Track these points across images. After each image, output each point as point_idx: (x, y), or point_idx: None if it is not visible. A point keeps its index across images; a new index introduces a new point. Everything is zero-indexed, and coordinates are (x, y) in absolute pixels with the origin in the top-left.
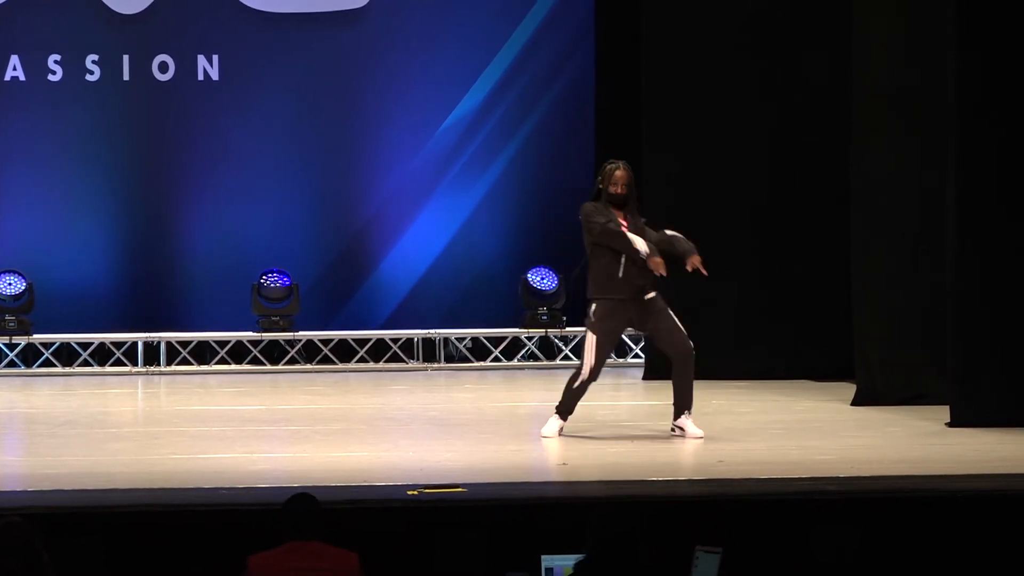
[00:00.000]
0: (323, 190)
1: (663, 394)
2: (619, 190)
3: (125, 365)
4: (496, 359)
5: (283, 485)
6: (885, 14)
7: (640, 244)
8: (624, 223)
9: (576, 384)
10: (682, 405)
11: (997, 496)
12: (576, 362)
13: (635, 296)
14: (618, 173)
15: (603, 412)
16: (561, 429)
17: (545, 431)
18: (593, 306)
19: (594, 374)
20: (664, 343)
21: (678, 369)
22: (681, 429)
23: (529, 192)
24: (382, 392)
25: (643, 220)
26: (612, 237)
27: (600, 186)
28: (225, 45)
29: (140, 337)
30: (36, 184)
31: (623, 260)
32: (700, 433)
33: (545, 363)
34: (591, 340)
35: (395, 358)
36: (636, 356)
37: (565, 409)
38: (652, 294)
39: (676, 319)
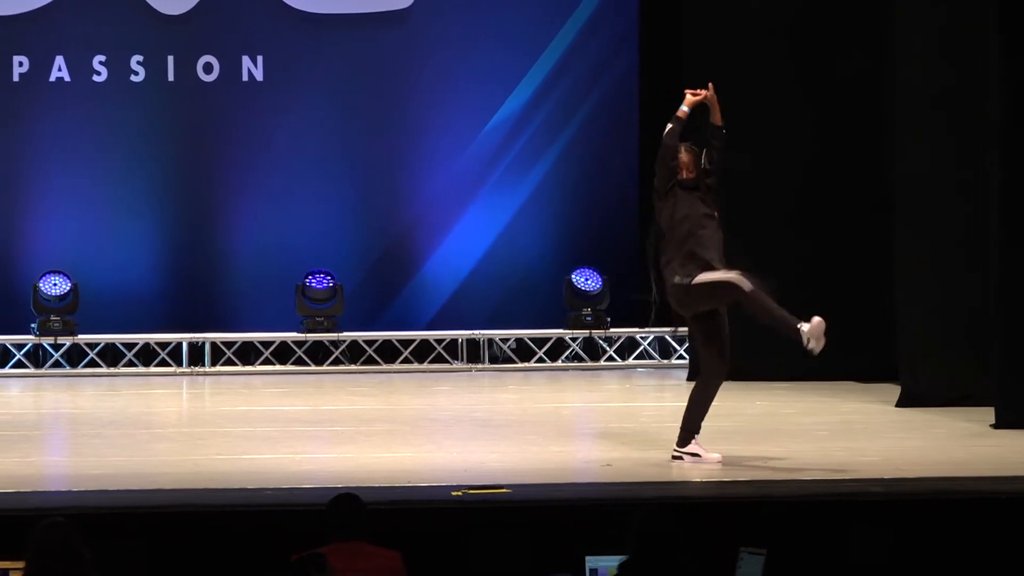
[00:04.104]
0: (367, 191)
1: None
2: (685, 174)
3: (170, 366)
4: (540, 360)
5: (327, 486)
6: (924, 13)
7: (679, 112)
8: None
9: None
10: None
11: None
12: (620, 361)
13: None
14: (681, 157)
15: (647, 413)
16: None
17: (708, 456)
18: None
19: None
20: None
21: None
22: (693, 455)
23: (573, 193)
24: (426, 393)
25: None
26: (670, 139)
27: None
28: (270, 46)
29: (185, 338)
30: (81, 185)
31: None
32: (718, 456)
33: (589, 364)
34: (721, 274)
35: (439, 359)
36: (680, 357)
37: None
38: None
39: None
